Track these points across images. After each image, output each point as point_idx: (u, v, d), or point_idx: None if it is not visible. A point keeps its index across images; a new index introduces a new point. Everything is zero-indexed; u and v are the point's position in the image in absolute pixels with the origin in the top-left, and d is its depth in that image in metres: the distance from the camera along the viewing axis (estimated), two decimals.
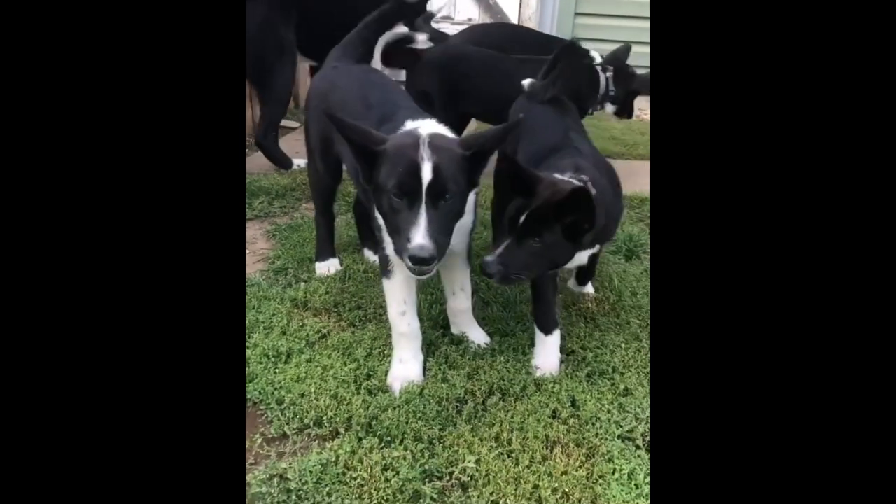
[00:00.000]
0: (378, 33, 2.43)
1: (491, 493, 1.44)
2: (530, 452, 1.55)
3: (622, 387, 1.82)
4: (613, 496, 1.44)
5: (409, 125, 1.70)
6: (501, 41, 3.43)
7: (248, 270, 2.46)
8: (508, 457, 1.55)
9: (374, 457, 1.51)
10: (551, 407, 1.72)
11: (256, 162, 3.58)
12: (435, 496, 1.44)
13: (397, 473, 1.46)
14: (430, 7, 3.24)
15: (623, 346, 2.01)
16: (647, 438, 1.63)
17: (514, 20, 5.04)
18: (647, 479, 1.49)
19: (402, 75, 3.59)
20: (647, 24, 4.91)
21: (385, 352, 1.93)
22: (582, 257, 1.85)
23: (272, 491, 1.42)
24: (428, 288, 2.29)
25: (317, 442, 1.61)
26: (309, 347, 1.96)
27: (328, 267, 2.46)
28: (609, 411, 1.71)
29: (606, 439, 1.61)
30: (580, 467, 1.52)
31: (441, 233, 1.52)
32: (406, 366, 1.83)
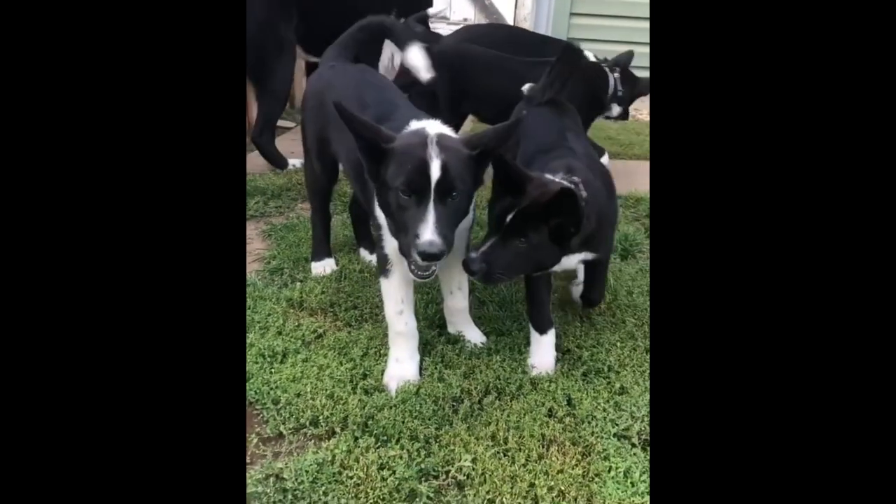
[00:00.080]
0: (372, 38, 2.42)
1: (487, 492, 1.44)
2: (526, 451, 1.56)
3: (618, 385, 1.82)
4: (609, 494, 1.45)
5: (415, 125, 1.70)
6: (498, 42, 3.43)
7: None
8: (504, 455, 1.55)
9: (370, 456, 1.51)
10: (547, 406, 1.72)
11: (252, 162, 3.58)
12: (431, 495, 1.44)
13: (393, 472, 1.46)
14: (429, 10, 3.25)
15: (619, 344, 2.01)
16: (643, 437, 1.64)
17: (510, 20, 5.05)
18: (643, 477, 1.49)
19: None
20: (642, 24, 4.95)
21: (381, 351, 1.93)
22: (570, 262, 1.81)
23: (268, 491, 1.42)
24: (424, 287, 2.29)
25: (313, 441, 1.60)
26: (305, 347, 1.95)
27: (324, 267, 2.46)
28: (605, 410, 1.71)
29: (602, 438, 1.62)
30: (576, 465, 1.52)
31: (448, 230, 1.53)
32: (402, 365, 1.83)
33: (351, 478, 1.45)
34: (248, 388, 1.74)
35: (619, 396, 1.78)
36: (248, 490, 1.42)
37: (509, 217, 1.59)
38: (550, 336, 1.91)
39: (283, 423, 1.63)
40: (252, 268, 2.49)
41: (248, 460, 1.53)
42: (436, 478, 1.49)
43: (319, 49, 3.41)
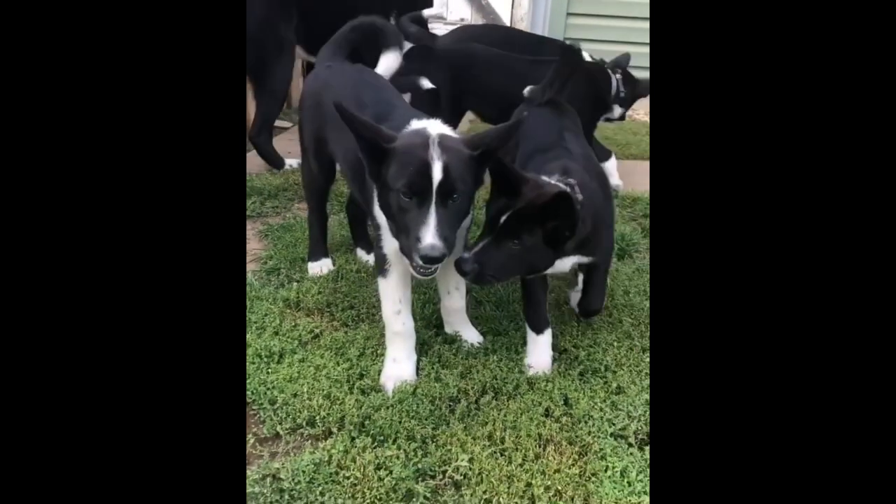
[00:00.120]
0: (365, 38, 2.43)
1: (484, 492, 1.44)
2: (523, 451, 1.56)
3: (614, 385, 1.82)
4: (606, 493, 1.45)
5: (416, 124, 1.70)
6: (494, 43, 3.43)
7: None
8: (501, 455, 1.55)
9: (367, 456, 1.51)
10: (544, 405, 1.72)
11: (249, 162, 3.57)
12: (428, 495, 1.44)
13: (390, 472, 1.46)
14: (424, 12, 3.25)
15: (615, 344, 2.02)
16: (640, 436, 1.64)
17: (507, 20, 5.05)
18: (640, 477, 1.49)
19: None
20: (638, 24, 4.95)
21: (378, 351, 1.93)
22: (565, 265, 1.80)
23: (265, 491, 1.42)
24: (421, 287, 2.29)
25: (309, 441, 1.60)
26: (301, 347, 1.95)
27: (321, 267, 2.46)
28: (601, 409, 1.71)
29: (599, 437, 1.62)
30: (573, 465, 1.53)
31: (450, 232, 1.54)
32: (399, 365, 1.83)
33: (348, 478, 1.45)
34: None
35: (616, 396, 1.78)
36: (245, 490, 1.42)
37: (503, 218, 1.58)
38: (547, 336, 1.91)
39: (280, 424, 1.63)
40: (249, 268, 2.48)
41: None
42: (433, 478, 1.49)
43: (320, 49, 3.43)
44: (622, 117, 3.46)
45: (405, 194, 1.52)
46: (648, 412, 1.70)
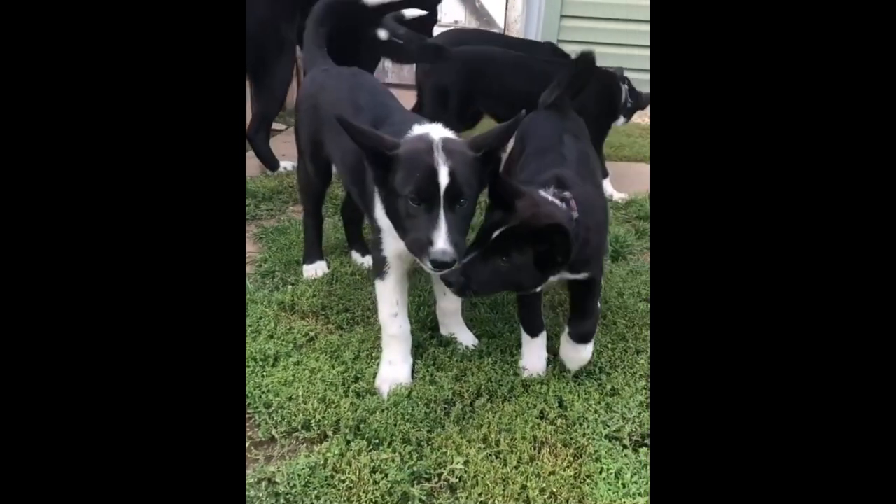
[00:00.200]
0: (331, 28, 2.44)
1: (479, 495, 1.45)
2: (518, 453, 1.56)
3: (609, 387, 1.83)
4: (601, 495, 1.46)
5: (418, 129, 1.70)
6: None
7: None
8: (496, 458, 1.55)
9: (362, 459, 1.51)
10: (539, 408, 1.73)
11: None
12: (423, 498, 1.44)
13: (386, 476, 1.46)
14: (405, 12, 3.24)
15: (609, 346, 2.02)
16: (634, 438, 1.65)
17: (500, 23, 5.07)
18: (634, 479, 1.50)
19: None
20: (631, 26, 4.96)
21: (373, 354, 1.93)
22: (553, 280, 1.75)
23: (260, 495, 1.42)
24: (416, 290, 2.29)
25: (305, 445, 1.60)
26: (296, 351, 1.95)
27: (316, 269, 2.46)
28: (596, 411, 1.72)
29: (594, 439, 1.63)
30: (568, 467, 1.53)
31: (460, 236, 1.54)
32: (395, 368, 1.83)
33: (343, 481, 1.45)
34: None
35: (611, 398, 1.79)
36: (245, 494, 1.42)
37: (496, 233, 1.55)
38: (542, 338, 1.91)
39: (275, 427, 1.63)
40: None
41: None
42: (428, 480, 1.50)
43: (330, 54, 3.44)
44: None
45: (413, 200, 1.52)
46: (643, 414, 1.71)
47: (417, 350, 1.96)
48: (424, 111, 3.10)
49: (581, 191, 1.71)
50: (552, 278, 1.70)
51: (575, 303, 1.88)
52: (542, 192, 1.65)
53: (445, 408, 1.73)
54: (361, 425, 1.63)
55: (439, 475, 1.50)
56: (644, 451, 1.60)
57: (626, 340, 2.07)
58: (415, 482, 1.48)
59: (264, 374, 1.82)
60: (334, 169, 2.26)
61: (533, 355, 1.91)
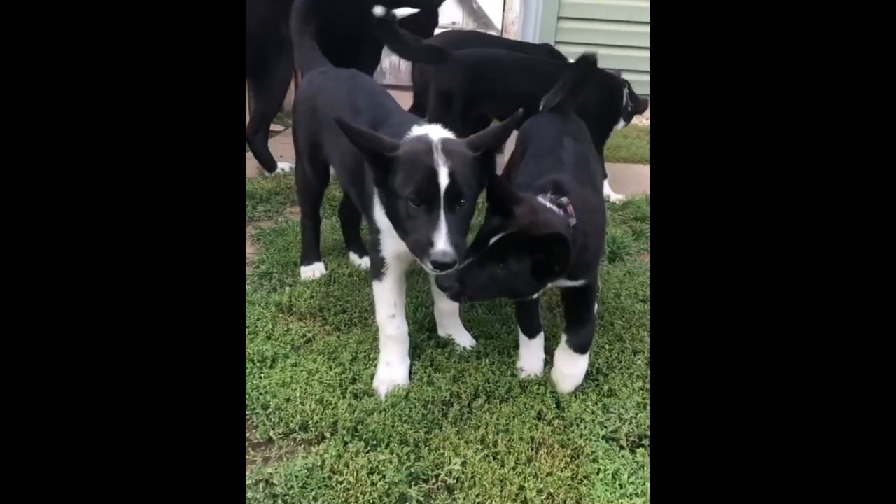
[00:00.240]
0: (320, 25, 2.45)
1: (477, 495, 1.45)
2: (515, 454, 1.56)
3: (606, 388, 1.83)
4: (598, 496, 1.46)
5: (417, 130, 1.70)
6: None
7: None
8: (494, 459, 1.56)
9: (359, 461, 1.51)
10: (536, 409, 1.73)
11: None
12: (421, 499, 1.44)
13: (383, 477, 1.46)
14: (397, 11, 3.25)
15: (607, 347, 2.03)
16: (632, 438, 1.65)
17: (498, 24, 5.07)
18: (632, 479, 1.50)
19: None
20: (628, 28, 4.96)
21: (370, 355, 1.94)
22: (549, 286, 1.72)
23: (258, 496, 1.42)
24: (413, 291, 2.30)
25: (302, 446, 1.61)
26: (294, 352, 1.95)
27: (313, 271, 2.46)
28: (593, 412, 1.73)
29: (591, 440, 1.63)
30: (565, 468, 1.54)
31: (460, 237, 1.55)
32: (392, 369, 1.83)
33: (341, 482, 1.46)
34: None
35: (608, 399, 1.80)
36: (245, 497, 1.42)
37: (493, 240, 1.54)
38: (539, 339, 1.92)
39: (273, 429, 1.63)
40: None
41: None
42: (425, 482, 1.50)
43: (329, 53, 3.44)
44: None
45: (413, 201, 1.53)
46: (640, 415, 1.72)
47: (415, 351, 1.96)
48: (428, 114, 3.10)
49: (578, 195, 1.70)
50: (549, 285, 1.68)
51: (571, 310, 1.82)
52: (540, 198, 1.63)
53: (443, 409, 1.74)
54: (359, 426, 1.63)
55: (437, 476, 1.50)
56: (641, 451, 1.60)
57: (624, 341, 2.08)
58: (412, 483, 1.48)
59: (262, 375, 1.82)
60: (332, 170, 2.26)
61: (530, 356, 1.92)
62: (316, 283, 2.38)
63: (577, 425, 1.68)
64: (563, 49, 4.78)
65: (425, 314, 2.17)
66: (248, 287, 2.33)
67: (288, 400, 1.71)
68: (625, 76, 3.46)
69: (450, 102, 3.05)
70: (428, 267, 1.53)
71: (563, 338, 1.80)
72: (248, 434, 1.63)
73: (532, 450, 1.60)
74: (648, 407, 1.75)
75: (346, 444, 1.57)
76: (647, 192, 3.40)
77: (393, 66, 4.97)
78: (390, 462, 1.51)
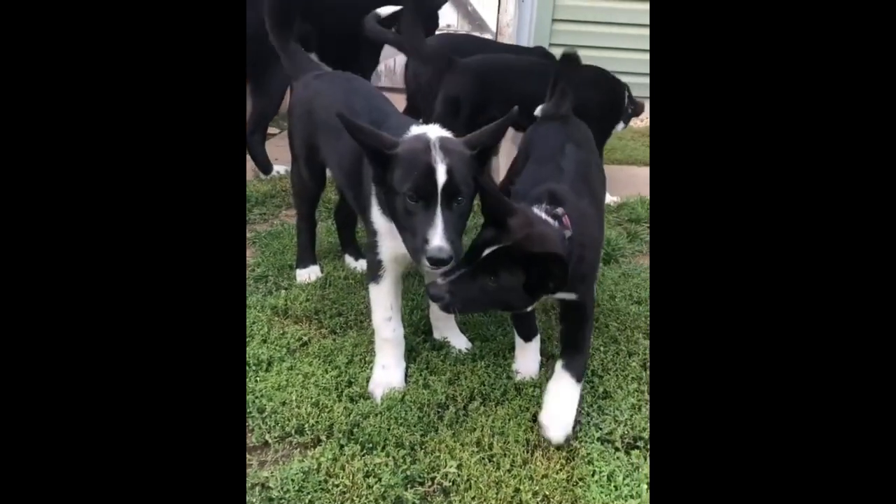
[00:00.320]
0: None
1: (472, 498, 1.45)
2: (511, 456, 1.57)
3: (601, 390, 1.84)
4: (593, 498, 1.47)
5: (416, 130, 1.72)
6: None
7: None
8: (490, 461, 1.56)
9: (355, 464, 1.51)
10: (532, 411, 1.74)
11: None
12: (417, 502, 1.45)
13: (379, 480, 1.47)
14: (379, 10, 3.26)
15: (602, 349, 2.03)
16: (627, 440, 1.66)
17: (493, 27, 5.08)
18: (627, 481, 1.51)
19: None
20: (623, 30, 4.96)
21: (366, 358, 1.94)
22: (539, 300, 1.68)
23: (254, 500, 1.43)
24: (409, 294, 2.30)
25: (298, 450, 1.61)
26: (290, 355, 1.95)
27: (309, 274, 2.46)
28: (588, 414, 1.73)
29: (586, 442, 1.63)
30: (560, 470, 1.54)
31: (456, 234, 1.56)
32: (388, 372, 1.83)
33: (337, 486, 1.46)
34: None
35: (603, 401, 1.80)
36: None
37: (487, 251, 1.51)
38: (535, 342, 1.92)
39: (269, 432, 1.63)
40: None
41: None
42: (421, 484, 1.50)
43: (329, 55, 3.40)
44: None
45: (411, 198, 1.54)
46: (635, 416, 1.72)
47: (411, 354, 1.96)
48: (434, 120, 3.11)
49: (575, 206, 1.67)
50: (542, 298, 1.65)
51: (567, 331, 1.76)
52: (535, 209, 1.60)
53: (439, 411, 1.74)
54: (355, 430, 1.63)
55: (433, 479, 1.51)
56: (636, 453, 1.61)
57: (618, 343, 2.09)
58: (408, 486, 1.49)
59: (258, 378, 1.82)
60: (328, 173, 2.27)
61: (526, 359, 1.92)
62: (312, 286, 2.38)
63: (573, 427, 1.68)
64: (559, 52, 4.80)
65: (421, 317, 2.18)
66: None
67: (284, 403, 1.71)
68: (620, 77, 3.47)
69: (457, 109, 3.06)
70: (424, 264, 1.54)
71: (558, 364, 1.72)
72: None
73: (527, 452, 1.60)
74: (643, 409, 1.76)
75: (342, 447, 1.58)
76: (642, 194, 3.41)
77: (388, 69, 4.97)
78: (386, 465, 1.51)
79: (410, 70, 3.44)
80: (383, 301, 1.83)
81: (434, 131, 1.69)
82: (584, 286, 1.70)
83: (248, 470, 1.52)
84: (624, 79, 3.49)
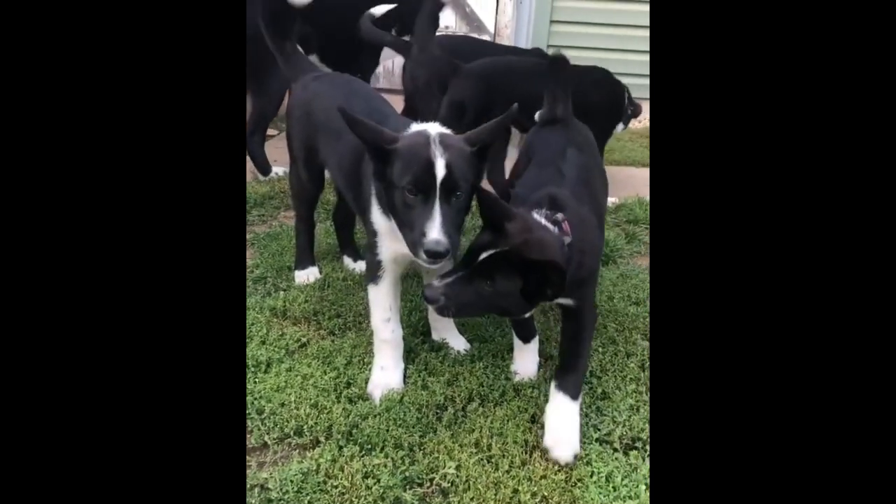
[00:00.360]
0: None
1: (471, 499, 1.46)
2: (510, 457, 1.57)
3: (599, 390, 1.85)
4: (591, 499, 1.47)
5: (416, 127, 1.73)
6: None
7: None
8: (488, 462, 1.56)
9: (354, 465, 1.51)
10: (530, 412, 1.74)
11: None
12: (416, 503, 1.45)
13: (378, 481, 1.47)
14: (374, 10, 3.27)
15: (600, 350, 2.04)
16: (625, 441, 1.66)
17: (491, 28, 5.08)
18: (625, 482, 1.51)
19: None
20: (621, 31, 4.97)
21: (365, 360, 1.94)
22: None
23: (253, 501, 1.43)
24: (407, 295, 2.30)
25: (297, 451, 1.61)
26: (288, 356, 1.96)
27: (307, 275, 2.46)
28: (587, 415, 1.73)
29: (584, 443, 1.64)
30: (559, 471, 1.54)
31: (454, 228, 1.56)
32: (387, 373, 1.84)
33: (336, 487, 1.46)
34: None
35: (601, 401, 1.81)
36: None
37: (483, 255, 1.49)
38: (533, 343, 1.93)
39: (268, 433, 1.63)
40: None
41: None
42: (420, 485, 1.51)
43: (330, 57, 3.41)
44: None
45: (410, 191, 1.55)
46: (633, 417, 1.73)
47: (409, 355, 1.96)
48: (438, 122, 3.12)
49: (575, 212, 1.65)
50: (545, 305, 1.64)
51: (565, 345, 1.74)
52: (535, 214, 1.59)
53: (437, 413, 1.74)
54: (354, 431, 1.63)
55: (431, 480, 1.51)
56: (634, 454, 1.62)
57: (617, 344, 2.09)
58: (407, 487, 1.49)
59: (256, 380, 1.82)
60: (327, 174, 2.27)
61: (525, 360, 1.93)
62: (310, 288, 2.38)
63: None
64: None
65: (419, 318, 2.18)
66: None
67: (283, 405, 1.71)
68: (619, 77, 3.48)
69: (462, 113, 3.07)
70: (421, 257, 1.54)
71: (553, 385, 1.68)
72: None
73: (526, 453, 1.61)
74: (641, 409, 1.76)
75: (340, 448, 1.58)
76: (640, 194, 3.42)
77: (387, 70, 4.97)
78: (385, 466, 1.52)
79: (408, 72, 3.44)
80: (382, 302, 1.84)
81: (434, 128, 1.70)
82: (583, 292, 1.69)
83: (248, 471, 1.52)
84: (622, 80, 3.50)
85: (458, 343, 2.06)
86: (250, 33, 2.99)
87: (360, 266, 2.52)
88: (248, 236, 2.84)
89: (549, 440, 1.61)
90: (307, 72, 2.34)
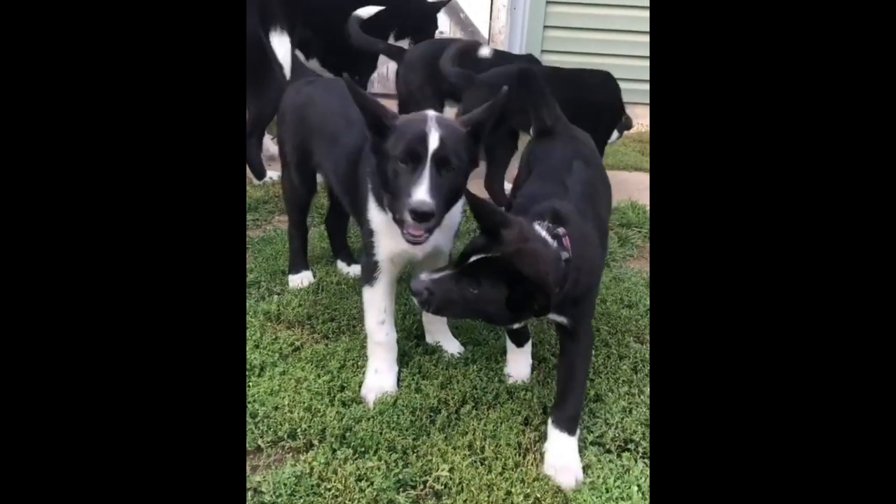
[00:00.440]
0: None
1: (464, 501, 1.46)
2: (503, 459, 1.58)
3: (592, 393, 1.85)
4: (584, 500, 1.47)
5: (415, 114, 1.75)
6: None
7: None
8: (481, 464, 1.57)
9: (348, 468, 1.52)
10: (523, 414, 1.75)
11: None
12: None
13: (371, 484, 1.47)
14: (360, 12, 3.29)
15: (593, 352, 2.04)
16: (618, 443, 1.67)
17: (485, 33, 5.10)
18: (618, 483, 1.52)
19: None
20: (614, 36, 4.97)
21: (358, 363, 1.94)
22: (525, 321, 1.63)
23: None
24: (401, 298, 2.31)
25: (291, 454, 1.61)
26: (282, 360, 1.96)
27: (301, 279, 2.47)
28: (580, 417, 1.74)
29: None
30: None
31: (440, 197, 1.55)
32: (381, 376, 1.84)
33: (329, 490, 1.46)
34: None
35: (594, 404, 1.81)
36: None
37: (472, 258, 1.46)
38: (526, 346, 1.93)
39: (261, 437, 1.63)
40: None
41: None
42: (413, 488, 1.51)
43: (329, 61, 3.45)
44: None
45: (402, 160, 1.57)
46: (626, 419, 1.74)
47: (403, 358, 1.97)
48: None
49: (577, 228, 1.60)
50: (534, 320, 1.59)
51: (562, 373, 1.70)
52: (536, 225, 1.53)
53: (431, 415, 1.74)
54: (347, 434, 1.63)
55: (425, 482, 1.51)
56: (627, 455, 1.62)
57: (609, 346, 2.10)
58: (400, 490, 1.49)
59: (250, 383, 1.82)
60: (319, 177, 2.28)
61: (518, 363, 1.93)
62: (304, 292, 2.38)
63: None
64: (550, 58, 4.83)
65: (413, 321, 2.18)
66: None
67: (276, 408, 1.71)
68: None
69: None
70: (406, 218, 1.54)
71: (550, 421, 1.65)
72: None
73: (519, 455, 1.61)
74: (633, 412, 1.77)
75: (334, 451, 1.58)
76: (632, 198, 3.43)
77: (381, 75, 4.98)
78: (378, 469, 1.52)
79: (401, 77, 3.46)
80: (377, 304, 1.84)
81: (432, 112, 1.72)
82: (577, 310, 1.63)
83: None
84: (621, 84, 3.52)
85: (452, 346, 2.06)
86: (252, 33, 3.02)
87: (354, 270, 2.53)
88: None
89: (550, 469, 1.58)
90: (300, 76, 2.35)
